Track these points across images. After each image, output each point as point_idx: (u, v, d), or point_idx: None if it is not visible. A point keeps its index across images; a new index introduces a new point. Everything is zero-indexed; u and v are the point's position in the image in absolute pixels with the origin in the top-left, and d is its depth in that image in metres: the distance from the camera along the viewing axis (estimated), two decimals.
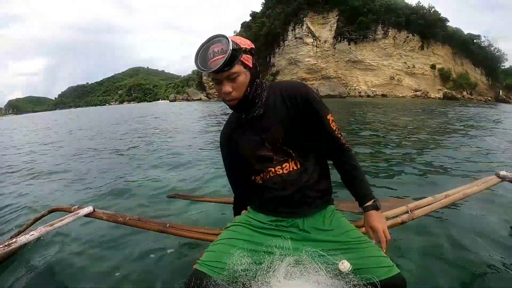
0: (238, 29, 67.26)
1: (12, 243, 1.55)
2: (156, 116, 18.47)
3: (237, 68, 0.93)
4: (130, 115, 21.57)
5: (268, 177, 1.06)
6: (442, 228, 2.18)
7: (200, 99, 61.09)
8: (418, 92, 47.07)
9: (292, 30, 53.45)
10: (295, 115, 1.02)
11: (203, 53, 0.94)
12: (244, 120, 1.07)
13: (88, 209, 1.93)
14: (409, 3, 53.05)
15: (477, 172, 3.62)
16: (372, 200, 1.03)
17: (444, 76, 48.40)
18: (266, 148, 1.05)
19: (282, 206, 1.04)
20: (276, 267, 0.86)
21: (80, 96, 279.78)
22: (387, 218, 1.43)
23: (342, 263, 0.86)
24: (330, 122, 1.03)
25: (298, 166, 1.04)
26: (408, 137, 6.70)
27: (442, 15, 50.75)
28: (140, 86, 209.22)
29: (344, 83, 49.30)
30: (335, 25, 51.63)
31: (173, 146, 6.79)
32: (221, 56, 0.89)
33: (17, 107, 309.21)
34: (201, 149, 6.14)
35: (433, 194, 1.64)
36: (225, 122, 1.21)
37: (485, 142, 5.96)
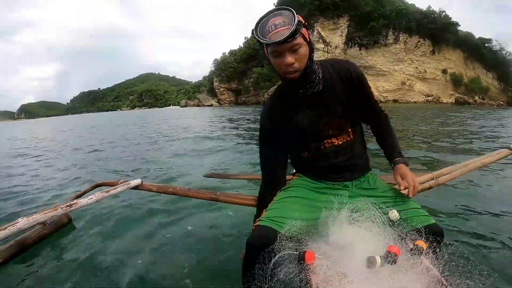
0: (249, 34, 67.53)
1: (73, 204, 1.59)
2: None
3: (299, 40, 0.94)
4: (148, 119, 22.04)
5: (323, 147, 1.14)
6: (464, 193, 2.64)
7: (211, 105, 61.32)
8: (429, 97, 47.08)
9: None
10: (350, 91, 1.10)
11: (262, 26, 0.95)
12: (302, 96, 1.08)
13: (137, 181, 1.95)
14: (420, 7, 53.12)
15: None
16: (402, 157, 1.14)
17: (456, 81, 48.29)
18: (325, 122, 1.11)
19: (333, 172, 1.15)
20: (336, 215, 0.95)
21: (92, 102, 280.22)
22: None
23: (392, 212, 0.97)
24: (373, 94, 1.17)
25: (351, 137, 1.15)
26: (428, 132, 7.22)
27: (452, 19, 50.76)
28: (151, 91, 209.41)
29: None
30: (346, 30, 51.85)
31: (198, 138, 7.53)
32: (286, 27, 0.91)
33: (29, 111, 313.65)
34: (225, 140, 6.85)
35: (454, 164, 1.89)
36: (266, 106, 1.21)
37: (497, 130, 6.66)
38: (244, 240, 0.99)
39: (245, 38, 67.27)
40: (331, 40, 52.40)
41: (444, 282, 0.82)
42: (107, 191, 1.81)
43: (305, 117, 1.12)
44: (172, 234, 2.06)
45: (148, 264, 1.71)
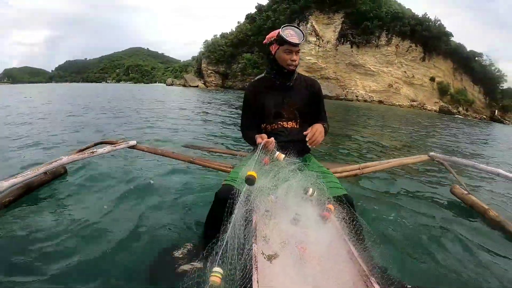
0: (242, 19, 66.46)
1: (94, 151, 2.14)
2: None
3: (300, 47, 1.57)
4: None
5: (276, 127, 1.62)
6: (384, 186, 3.03)
7: (197, 86, 60.11)
8: (414, 103, 46.94)
9: None
10: (309, 97, 1.68)
11: (283, 32, 1.50)
12: (278, 84, 1.64)
13: (132, 142, 2.42)
14: (416, 13, 52.80)
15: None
16: (324, 124, 1.61)
17: (442, 90, 48.33)
18: (283, 108, 1.63)
19: (281, 148, 1.44)
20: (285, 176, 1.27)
21: (77, 71, 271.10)
22: (345, 171, 2.16)
23: (309, 189, 1.21)
24: (324, 109, 1.77)
25: (297, 126, 1.64)
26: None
27: (447, 29, 50.64)
28: (138, 66, 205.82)
29: (342, 85, 48.86)
30: (340, 26, 51.22)
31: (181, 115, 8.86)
32: (299, 37, 1.50)
33: (12, 76, 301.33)
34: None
35: (379, 161, 2.47)
36: (250, 83, 1.79)
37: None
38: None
39: (238, 22, 66.24)
40: (323, 34, 51.57)
41: (345, 237, 1.07)
42: (111, 147, 2.24)
43: (272, 99, 1.65)
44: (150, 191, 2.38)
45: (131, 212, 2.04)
